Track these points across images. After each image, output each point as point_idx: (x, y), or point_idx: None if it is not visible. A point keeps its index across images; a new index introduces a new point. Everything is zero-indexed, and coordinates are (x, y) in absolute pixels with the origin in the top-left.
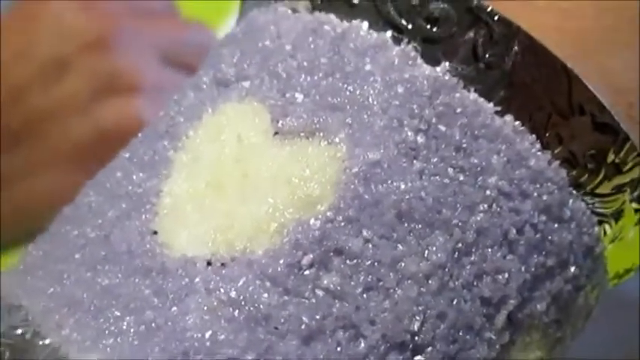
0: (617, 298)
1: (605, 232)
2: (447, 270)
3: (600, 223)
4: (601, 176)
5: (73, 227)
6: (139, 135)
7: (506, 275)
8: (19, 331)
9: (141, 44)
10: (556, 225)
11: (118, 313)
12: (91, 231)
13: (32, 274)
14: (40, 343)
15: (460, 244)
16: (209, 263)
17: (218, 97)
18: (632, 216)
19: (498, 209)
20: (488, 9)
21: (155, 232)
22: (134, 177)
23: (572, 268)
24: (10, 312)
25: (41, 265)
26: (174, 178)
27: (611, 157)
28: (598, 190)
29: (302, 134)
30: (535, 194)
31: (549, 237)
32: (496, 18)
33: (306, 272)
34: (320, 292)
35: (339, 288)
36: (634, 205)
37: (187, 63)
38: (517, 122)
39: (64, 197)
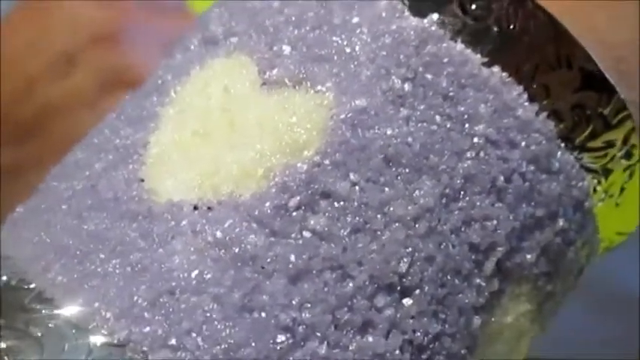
0: (617, 298)
1: (595, 189)
2: (434, 214)
3: (590, 178)
4: (589, 130)
5: (60, 182)
6: (127, 96)
7: (495, 222)
8: (4, 278)
9: (150, 40)
10: (544, 176)
11: (104, 256)
12: (78, 183)
13: (19, 227)
14: (26, 287)
15: (448, 190)
16: (195, 207)
17: (206, 54)
18: (621, 173)
19: (486, 157)
20: None
21: (142, 180)
22: (122, 132)
23: (562, 221)
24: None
25: (28, 219)
26: (161, 130)
27: (598, 111)
28: (587, 145)
29: (289, 84)
30: (523, 144)
31: (538, 187)
32: None
33: (293, 214)
34: (307, 234)
35: (326, 229)
36: (623, 161)
37: None
38: (504, 73)
39: None
